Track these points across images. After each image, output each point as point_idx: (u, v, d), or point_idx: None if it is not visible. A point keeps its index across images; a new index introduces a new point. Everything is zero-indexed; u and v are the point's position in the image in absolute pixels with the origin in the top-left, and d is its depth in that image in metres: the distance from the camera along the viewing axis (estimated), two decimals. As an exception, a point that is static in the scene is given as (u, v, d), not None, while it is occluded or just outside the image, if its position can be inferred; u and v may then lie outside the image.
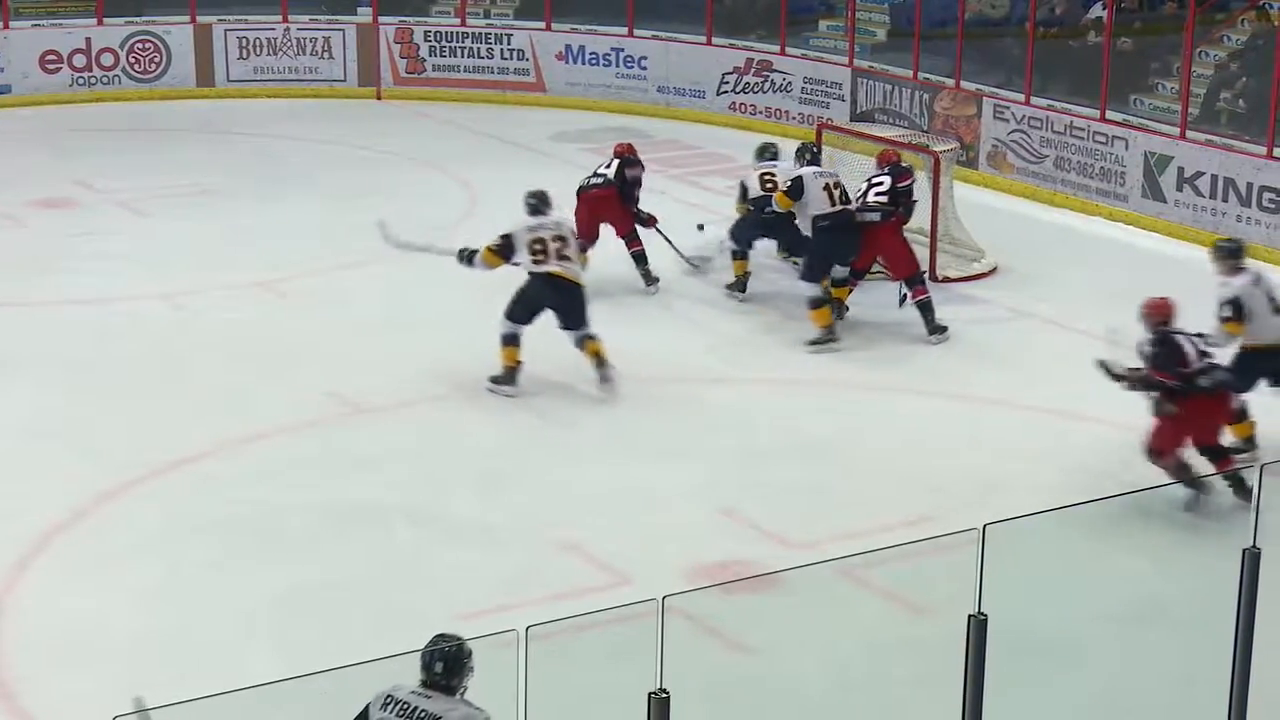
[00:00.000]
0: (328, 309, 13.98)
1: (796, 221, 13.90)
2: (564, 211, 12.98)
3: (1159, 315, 10.73)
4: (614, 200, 14.49)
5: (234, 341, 13.12)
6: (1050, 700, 7.89)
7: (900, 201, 13.73)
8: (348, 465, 10.85)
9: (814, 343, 13.27)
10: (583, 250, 13.50)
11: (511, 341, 12.10)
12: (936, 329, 13.41)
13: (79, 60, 21.94)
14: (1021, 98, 18.07)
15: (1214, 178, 16.25)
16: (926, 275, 13.98)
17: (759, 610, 7.99)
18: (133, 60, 22.09)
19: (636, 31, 21.74)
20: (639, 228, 14.52)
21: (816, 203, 13.55)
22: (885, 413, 12.03)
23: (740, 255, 14.34)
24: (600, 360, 12.07)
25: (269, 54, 22.38)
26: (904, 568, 8.20)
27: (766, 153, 14.82)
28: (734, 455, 11.17)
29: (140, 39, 22.12)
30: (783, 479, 10.76)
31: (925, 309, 13.47)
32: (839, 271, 13.70)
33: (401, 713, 6.21)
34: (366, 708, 6.33)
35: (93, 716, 7.75)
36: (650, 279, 14.48)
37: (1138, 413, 11.67)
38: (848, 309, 13.76)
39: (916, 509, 10.19)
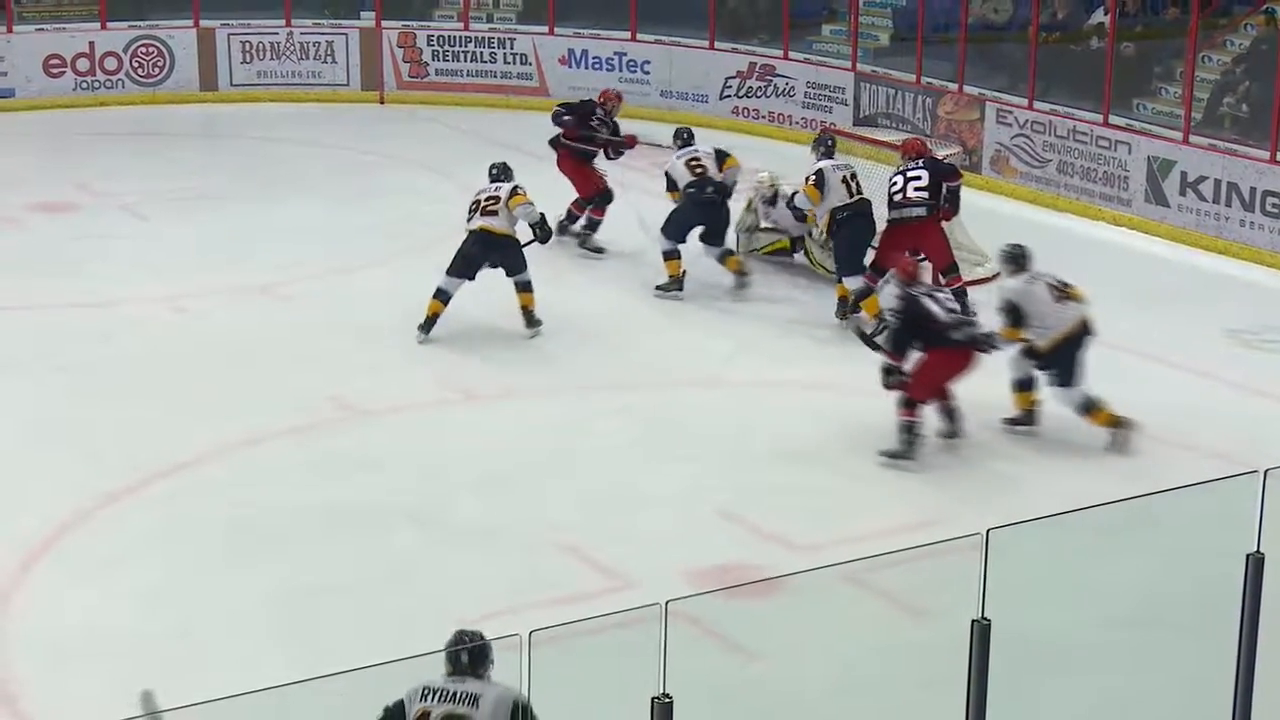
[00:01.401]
0: (329, 312, 13.97)
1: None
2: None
3: (906, 275, 11.57)
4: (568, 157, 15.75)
5: (235, 345, 13.11)
6: (1054, 705, 7.87)
7: (944, 196, 13.67)
8: (349, 468, 10.84)
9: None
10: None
11: (442, 298, 13.21)
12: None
13: (82, 64, 21.93)
14: (1025, 102, 18.06)
15: (1217, 182, 16.23)
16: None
17: (762, 614, 7.97)
18: (136, 64, 22.08)
19: (639, 36, 21.72)
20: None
21: (836, 195, 13.74)
22: (884, 415, 11.97)
23: (674, 255, 14.34)
24: (529, 315, 13.31)
25: (272, 58, 22.37)
26: (907, 572, 8.18)
27: (681, 137, 14.91)
28: (735, 458, 11.15)
29: (143, 43, 22.11)
30: (784, 482, 10.74)
31: (961, 295, 13.29)
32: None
33: (442, 698, 6.51)
34: (400, 703, 6.55)
35: (93, 718, 7.76)
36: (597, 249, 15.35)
37: (1143, 416, 11.69)
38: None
39: (919, 513, 10.18)
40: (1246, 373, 12.70)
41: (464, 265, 13.19)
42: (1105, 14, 18.22)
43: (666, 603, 6.15)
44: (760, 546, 9.85)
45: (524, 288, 13.36)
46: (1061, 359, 11.47)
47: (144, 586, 9.35)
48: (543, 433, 11.56)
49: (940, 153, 15.17)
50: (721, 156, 14.61)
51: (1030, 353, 11.56)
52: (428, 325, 13.16)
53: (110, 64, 22.00)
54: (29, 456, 11.08)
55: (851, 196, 13.79)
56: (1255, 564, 7.02)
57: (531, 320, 13.31)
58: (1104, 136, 17.27)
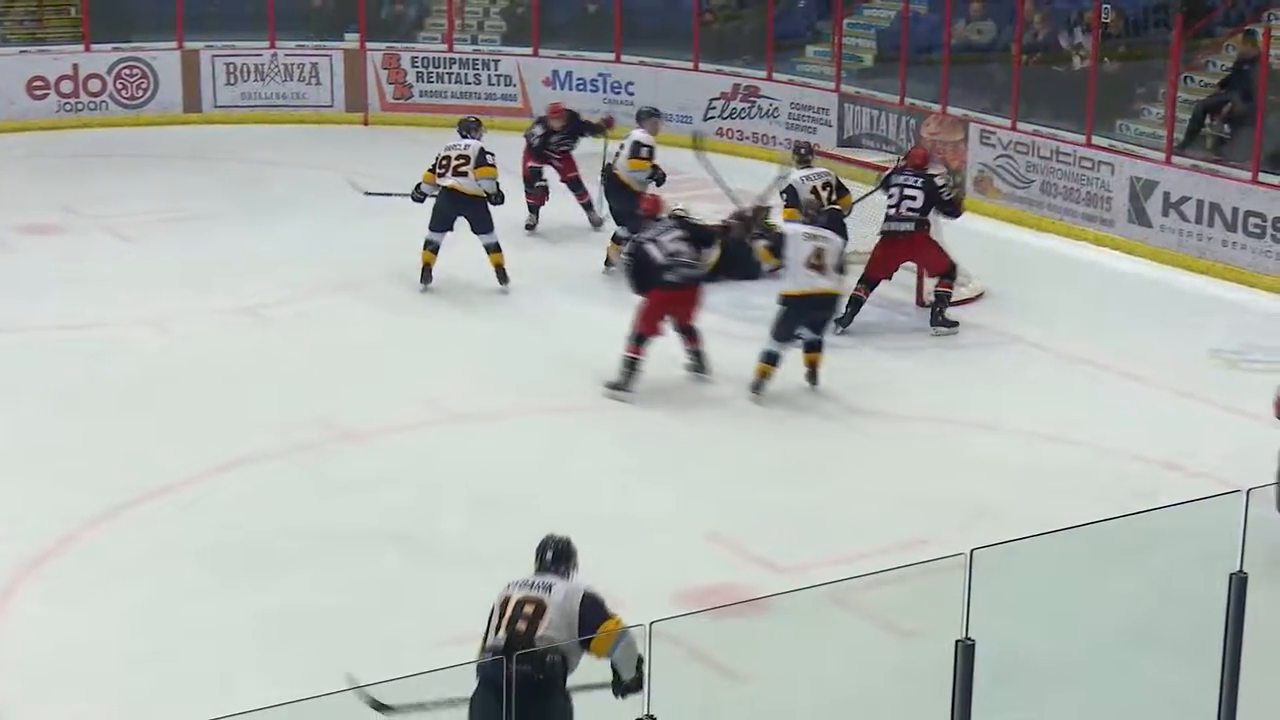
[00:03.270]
0: (316, 335, 13.99)
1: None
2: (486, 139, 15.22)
3: (648, 214, 13.05)
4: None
5: (222, 367, 13.12)
6: (1039, 725, 7.90)
7: (935, 208, 14.12)
8: (336, 490, 10.85)
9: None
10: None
11: (431, 248, 14.86)
12: (946, 323, 13.99)
13: (66, 86, 21.96)
14: (1007, 123, 18.13)
15: (1199, 203, 16.30)
16: (916, 296, 14.40)
17: (748, 635, 8.00)
18: (120, 86, 22.12)
19: (624, 57, 21.80)
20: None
21: (806, 204, 13.89)
22: (872, 435, 12.05)
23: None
24: (500, 272, 14.85)
25: (256, 80, 22.42)
26: (892, 592, 8.21)
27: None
28: (719, 479, 11.18)
29: (127, 65, 22.15)
30: (769, 502, 10.76)
31: (943, 300, 13.96)
32: None
33: (525, 585, 7.21)
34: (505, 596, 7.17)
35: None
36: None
37: (1127, 436, 11.74)
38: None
39: (904, 533, 10.20)
40: (1230, 393, 12.74)
41: (440, 220, 14.79)
42: (1084, 34, 18.30)
43: (652, 624, 6.18)
44: (746, 567, 9.87)
45: (492, 249, 14.83)
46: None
47: (130, 609, 9.35)
48: (531, 454, 11.57)
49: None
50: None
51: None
52: (425, 275, 14.83)
53: (94, 86, 22.03)
54: (14, 479, 11.07)
55: (822, 204, 14.00)
56: (1238, 584, 7.06)
57: (503, 277, 14.81)
58: (1087, 157, 17.36)
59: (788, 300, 12.51)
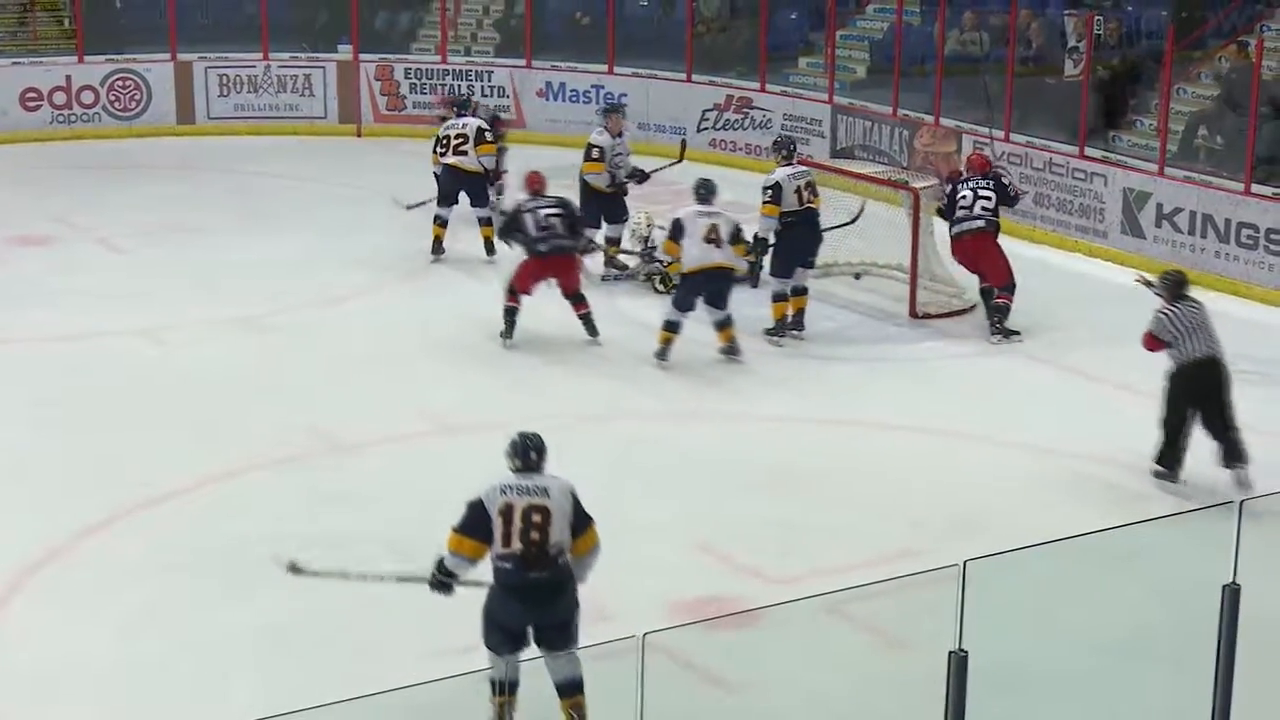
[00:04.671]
0: (307, 345, 13.97)
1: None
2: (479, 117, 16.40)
3: (531, 188, 13.89)
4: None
5: (213, 377, 13.11)
6: (1031, 736, 7.89)
7: (1006, 203, 14.62)
8: (329, 501, 10.82)
9: (769, 332, 14.06)
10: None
11: (440, 222, 16.06)
12: (1006, 332, 14.21)
13: (59, 98, 21.97)
14: (1001, 134, 18.14)
15: (1192, 214, 16.31)
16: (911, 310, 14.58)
17: (740, 647, 7.98)
18: (113, 98, 22.12)
19: (616, 69, 21.81)
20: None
21: (787, 203, 14.05)
22: (864, 447, 12.03)
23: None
24: (489, 244, 15.91)
25: (249, 91, 22.43)
26: (884, 603, 8.20)
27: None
28: (709, 490, 11.16)
29: (121, 76, 22.15)
30: (760, 514, 10.74)
31: (1003, 312, 14.30)
32: (800, 277, 14.21)
33: (520, 492, 7.86)
34: (481, 501, 7.87)
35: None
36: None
37: (1120, 447, 11.73)
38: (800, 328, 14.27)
39: (896, 545, 10.19)
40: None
41: (444, 197, 16.08)
42: (1078, 40, 18.28)
43: (644, 635, 6.16)
44: (737, 578, 9.85)
45: (485, 222, 16.05)
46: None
47: (124, 619, 9.33)
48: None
49: (917, 184, 15.25)
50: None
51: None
52: (436, 247, 16.05)
53: (87, 97, 22.04)
54: (8, 489, 11.05)
55: (801, 204, 14.12)
56: (1231, 595, 7.06)
57: (490, 249, 15.90)
58: (1080, 168, 17.37)
59: (685, 276, 13.39)
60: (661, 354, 13.42)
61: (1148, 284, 11.78)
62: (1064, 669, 8.12)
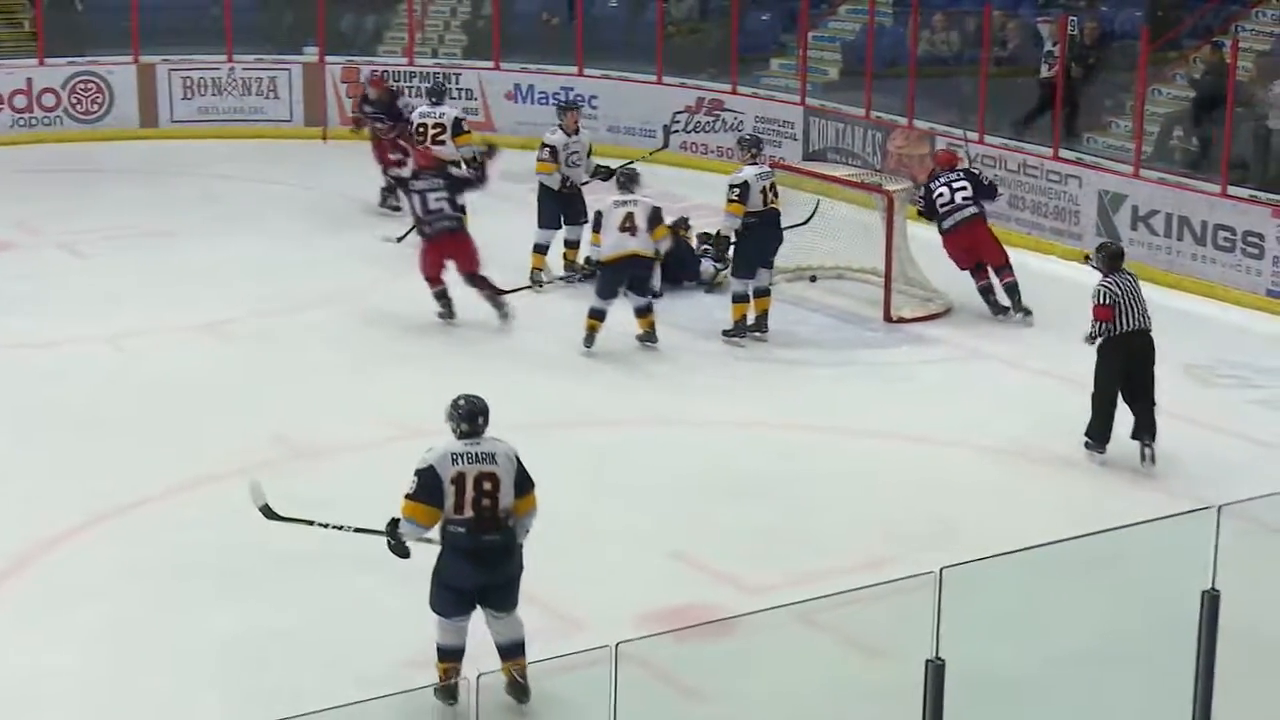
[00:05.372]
0: (275, 352, 13.93)
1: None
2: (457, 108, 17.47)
3: (420, 163, 14.67)
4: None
5: (179, 385, 13.05)
6: (1009, 745, 7.88)
7: (985, 196, 15.16)
8: (298, 509, 10.74)
9: (728, 333, 14.19)
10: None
11: None
12: (1025, 310, 14.80)
13: (20, 101, 21.87)
14: (975, 136, 18.16)
15: (1168, 216, 16.35)
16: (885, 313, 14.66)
17: (714, 656, 7.96)
18: (75, 101, 22.04)
19: (586, 70, 21.80)
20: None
21: (753, 203, 14.09)
22: (837, 453, 12.02)
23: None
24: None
25: (214, 94, 22.36)
26: (860, 612, 8.17)
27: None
28: (682, 497, 11.13)
29: (82, 79, 22.06)
30: (734, 521, 10.73)
31: (1014, 291, 14.89)
32: (763, 278, 14.26)
33: (470, 459, 8.21)
34: (431, 468, 8.15)
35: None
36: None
37: (1093, 454, 11.74)
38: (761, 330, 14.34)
39: (871, 551, 10.18)
40: (1202, 408, 12.76)
41: None
42: (1053, 45, 18.34)
43: (617, 645, 6.14)
44: (711, 587, 9.83)
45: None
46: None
47: (90, 630, 9.27)
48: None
49: (891, 187, 15.27)
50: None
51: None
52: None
53: (48, 100, 21.95)
54: (-33, 500, 11.00)
55: (765, 205, 14.15)
56: (1210, 600, 7.07)
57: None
58: (1054, 170, 17.40)
59: (603, 265, 13.68)
60: (587, 341, 13.77)
61: (1087, 258, 12.36)
62: (1042, 676, 8.11)
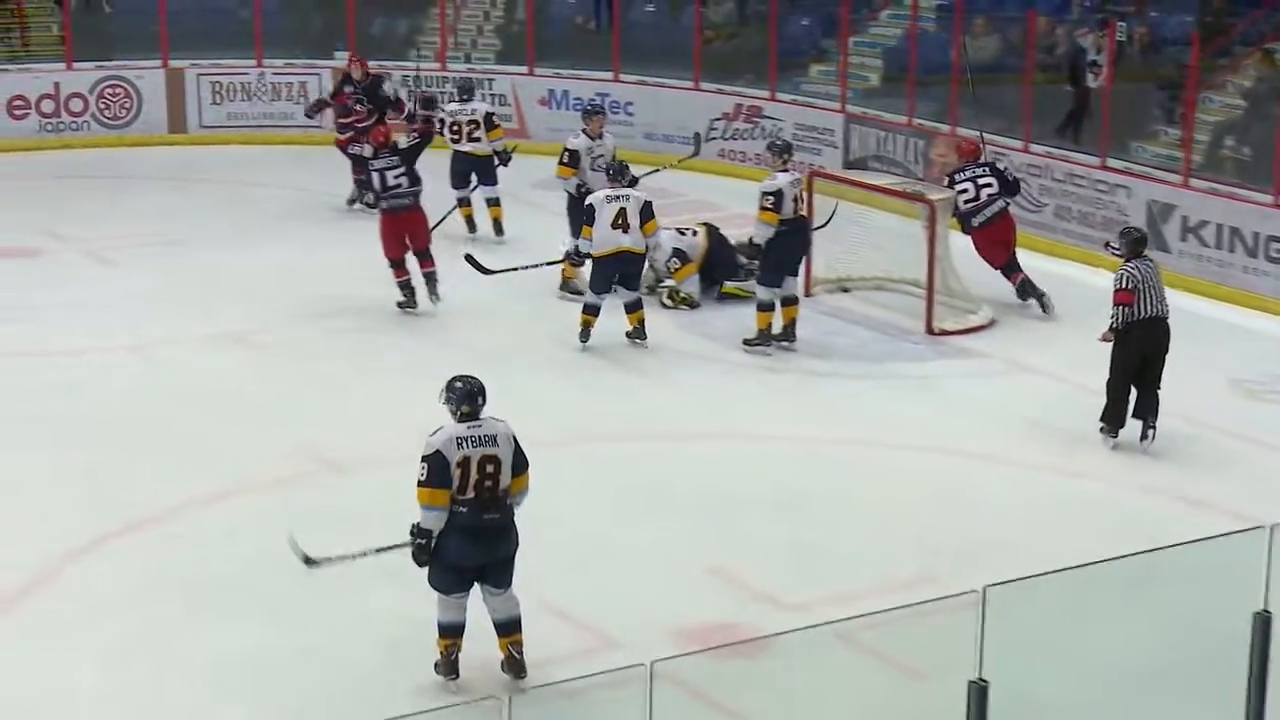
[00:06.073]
0: (302, 361, 13.95)
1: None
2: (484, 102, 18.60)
3: (377, 141, 15.03)
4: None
5: (204, 395, 13.08)
6: (1054, 769, 7.83)
7: (1009, 192, 15.58)
8: (323, 524, 10.75)
9: (749, 342, 14.19)
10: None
11: (465, 203, 17.34)
12: (1046, 304, 15.31)
13: (47, 106, 21.97)
14: (1020, 144, 18.11)
15: (1219, 227, 16.27)
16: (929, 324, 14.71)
17: (752, 676, 7.93)
18: (103, 106, 22.13)
19: (622, 76, 21.81)
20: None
21: (785, 211, 14.07)
22: (877, 468, 11.99)
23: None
24: (498, 225, 17.42)
25: (243, 99, 22.43)
26: (901, 631, 8.14)
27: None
28: (719, 512, 11.11)
29: (110, 84, 22.16)
30: (771, 537, 10.70)
31: (1025, 289, 15.37)
32: (790, 286, 14.20)
33: (474, 442, 8.57)
34: (439, 453, 8.51)
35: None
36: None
37: (1142, 469, 11.70)
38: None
39: (911, 569, 10.15)
40: (1252, 424, 12.71)
41: (461, 179, 17.31)
42: (1096, 53, 18.28)
43: (652, 663, 6.13)
44: (748, 604, 9.82)
45: (493, 202, 17.42)
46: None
47: (109, 646, 9.29)
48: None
49: (933, 196, 15.24)
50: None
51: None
52: (471, 226, 17.37)
53: (76, 105, 22.04)
54: (-9, 512, 11.04)
55: (794, 213, 14.15)
56: (1262, 622, 7.02)
57: (499, 229, 17.38)
58: (1102, 180, 17.34)
59: (595, 260, 14.01)
60: (582, 336, 14.11)
61: (1107, 245, 12.76)
62: (1088, 699, 8.06)
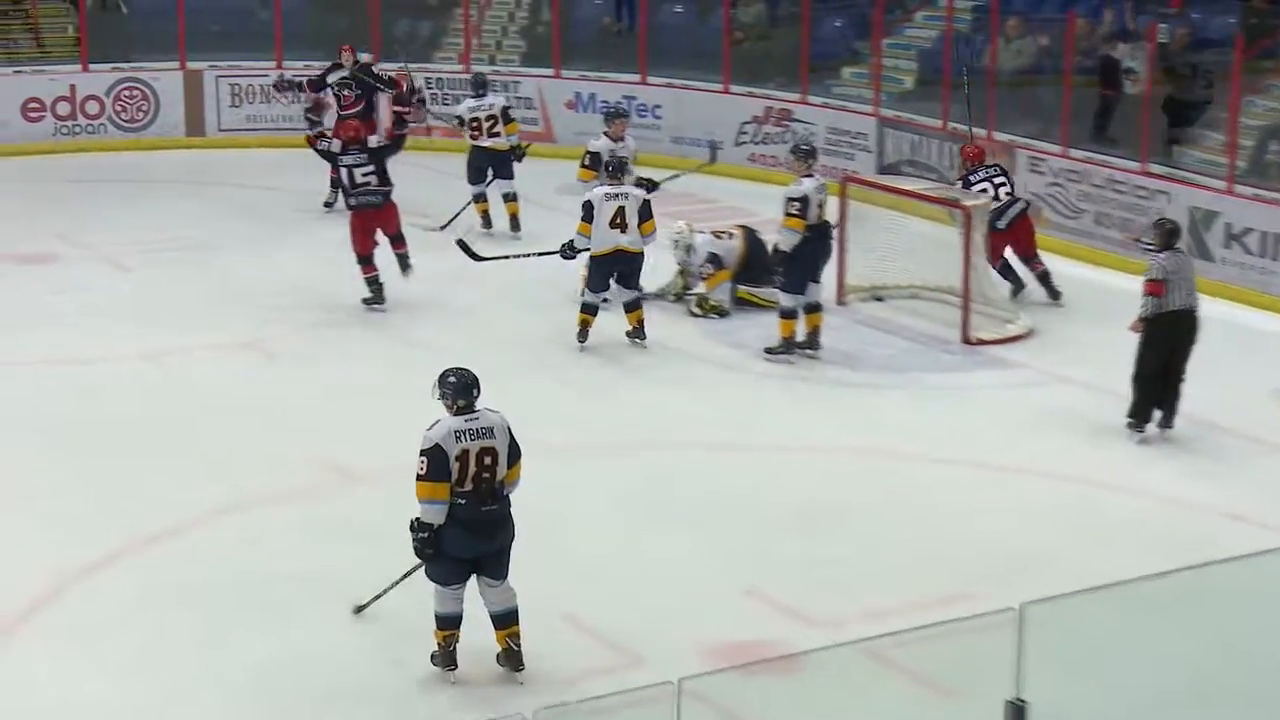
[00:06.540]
0: (319, 370, 13.96)
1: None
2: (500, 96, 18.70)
3: (346, 135, 15.32)
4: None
5: (220, 404, 13.09)
6: (1094, 792, 7.79)
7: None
8: (339, 535, 10.78)
9: (771, 351, 14.21)
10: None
11: (481, 199, 18.00)
12: (1056, 294, 15.84)
13: (63, 108, 22.05)
14: (1058, 149, 18.05)
15: (1264, 234, 16.19)
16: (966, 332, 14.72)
17: (781, 694, 7.89)
18: (119, 108, 22.19)
19: (650, 78, 21.80)
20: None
21: (810, 217, 14.05)
22: (910, 481, 11.94)
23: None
24: (514, 220, 17.86)
25: (262, 102, 22.46)
26: (935, 649, 8.10)
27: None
28: (745, 525, 11.08)
29: (127, 86, 22.23)
30: (798, 551, 10.67)
31: (1046, 279, 15.87)
32: (814, 293, 14.18)
33: (472, 435, 8.80)
34: (438, 446, 8.75)
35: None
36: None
37: (1183, 482, 11.63)
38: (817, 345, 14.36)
39: (945, 585, 10.10)
40: (1296, 437, 12.65)
41: (478, 174, 17.94)
42: (1132, 61, 18.22)
43: (680, 681, 6.10)
44: (777, 620, 9.78)
45: (510, 198, 17.89)
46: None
47: (124, 659, 9.30)
48: (542, 498, 11.41)
49: (969, 202, 15.20)
50: None
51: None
52: (486, 222, 17.93)
53: (92, 108, 22.12)
54: (7, 521, 11.03)
55: (818, 219, 14.11)
56: (1310, 641, 6.95)
57: (515, 225, 17.80)
58: (1142, 185, 17.26)
59: (594, 259, 14.27)
60: (581, 336, 14.37)
61: (1137, 240, 13.18)
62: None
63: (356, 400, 13.21)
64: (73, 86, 22.10)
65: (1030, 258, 15.91)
